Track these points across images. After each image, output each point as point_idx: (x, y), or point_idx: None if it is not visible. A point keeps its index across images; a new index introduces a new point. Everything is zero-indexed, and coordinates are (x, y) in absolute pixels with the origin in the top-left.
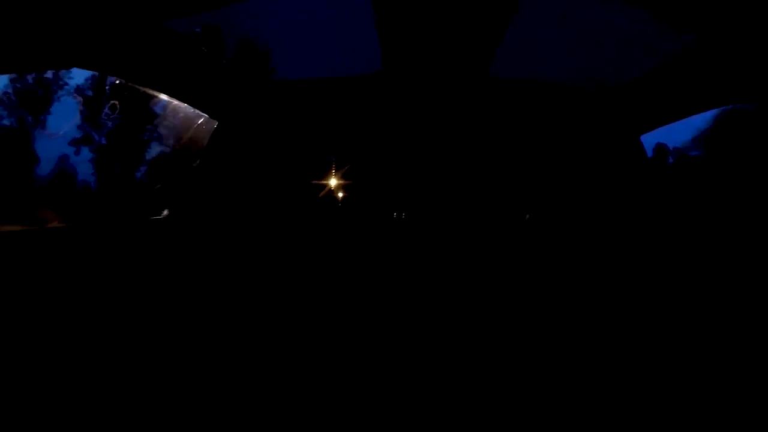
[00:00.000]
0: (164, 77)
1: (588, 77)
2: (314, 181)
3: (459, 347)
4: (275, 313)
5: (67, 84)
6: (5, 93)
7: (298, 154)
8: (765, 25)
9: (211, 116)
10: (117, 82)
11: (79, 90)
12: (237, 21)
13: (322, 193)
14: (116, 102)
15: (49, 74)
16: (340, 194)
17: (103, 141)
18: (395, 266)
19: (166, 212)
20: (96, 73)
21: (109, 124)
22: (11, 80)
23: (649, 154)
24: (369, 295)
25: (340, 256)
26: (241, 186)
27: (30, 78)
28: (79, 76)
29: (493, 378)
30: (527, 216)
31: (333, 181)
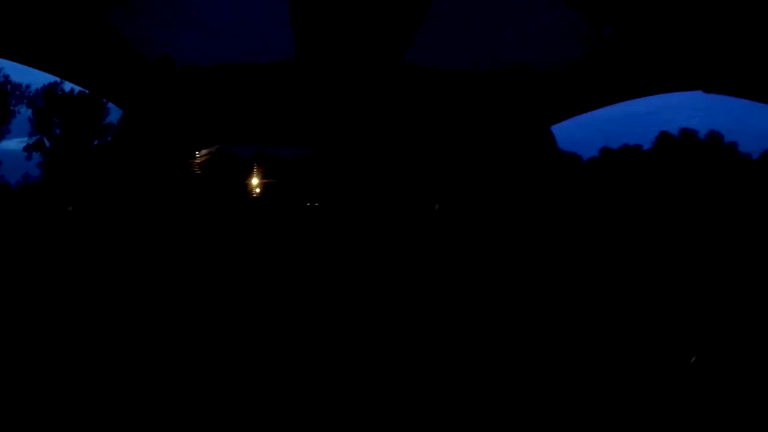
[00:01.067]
0: (56, 58)
1: (505, 67)
2: (224, 170)
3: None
4: (180, 309)
5: (27, 96)
6: None
7: (205, 142)
8: (674, 22)
9: (117, 104)
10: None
11: (30, 101)
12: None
13: (232, 182)
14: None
15: (8, 86)
16: (252, 183)
17: (49, 145)
18: (308, 255)
19: (70, 208)
20: (46, 84)
21: (57, 131)
22: None
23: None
24: (280, 284)
25: (253, 245)
26: (146, 177)
27: None
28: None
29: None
30: (437, 206)
31: (243, 170)
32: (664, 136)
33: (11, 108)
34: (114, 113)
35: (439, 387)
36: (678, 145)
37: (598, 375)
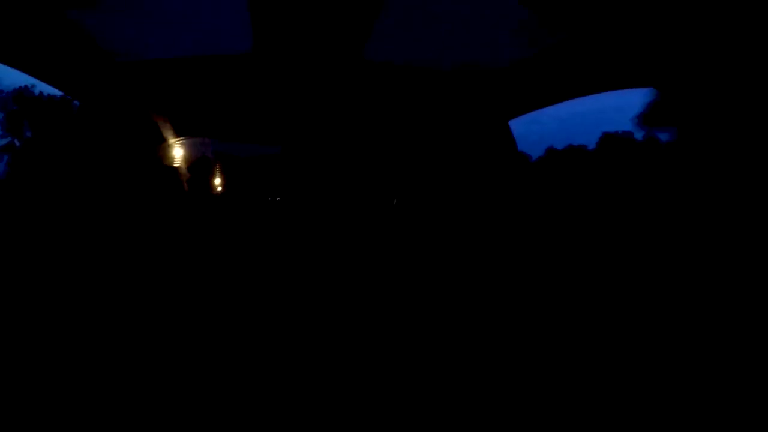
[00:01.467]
0: (16, 52)
1: (464, 63)
2: (180, 165)
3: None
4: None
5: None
6: None
7: (162, 134)
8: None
9: (73, 96)
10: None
11: (3, 104)
12: None
13: (188, 176)
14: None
15: None
16: (209, 178)
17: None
18: (267, 251)
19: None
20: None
21: (27, 133)
22: None
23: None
24: (241, 277)
25: (210, 240)
26: (101, 171)
27: None
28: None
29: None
30: (395, 201)
31: (200, 164)
32: (606, 137)
33: None
34: None
35: (384, 366)
36: (616, 147)
37: (537, 348)
